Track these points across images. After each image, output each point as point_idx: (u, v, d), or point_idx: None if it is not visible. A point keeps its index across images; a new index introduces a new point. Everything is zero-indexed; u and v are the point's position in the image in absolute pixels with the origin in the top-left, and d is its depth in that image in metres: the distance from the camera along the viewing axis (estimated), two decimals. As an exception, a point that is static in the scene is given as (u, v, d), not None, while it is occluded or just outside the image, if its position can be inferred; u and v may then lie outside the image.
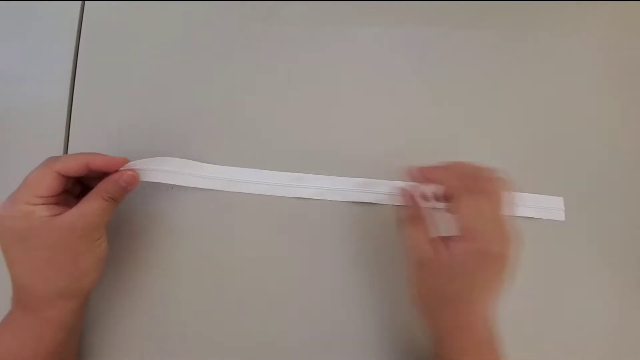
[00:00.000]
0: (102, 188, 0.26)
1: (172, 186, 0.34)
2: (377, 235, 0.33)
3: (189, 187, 0.33)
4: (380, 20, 0.37)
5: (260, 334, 0.33)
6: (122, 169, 0.28)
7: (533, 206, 0.33)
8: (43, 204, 0.25)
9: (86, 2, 0.37)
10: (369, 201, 0.33)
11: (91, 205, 0.26)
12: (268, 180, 0.34)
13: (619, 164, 0.36)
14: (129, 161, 0.28)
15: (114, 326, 0.33)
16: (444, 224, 0.26)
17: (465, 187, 0.25)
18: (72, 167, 0.26)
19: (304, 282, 0.33)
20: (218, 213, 0.34)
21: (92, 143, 0.35)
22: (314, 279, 0.33)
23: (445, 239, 0.25)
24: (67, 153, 0.35)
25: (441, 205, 0.27)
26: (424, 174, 0.27)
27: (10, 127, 0.35)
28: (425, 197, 0.28)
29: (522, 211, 0.33)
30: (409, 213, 0.27)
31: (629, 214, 0.35)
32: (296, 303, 0.33)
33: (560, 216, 0.34)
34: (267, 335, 0.33)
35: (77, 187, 0.29)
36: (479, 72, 0.37)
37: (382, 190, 0.33)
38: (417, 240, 0.26)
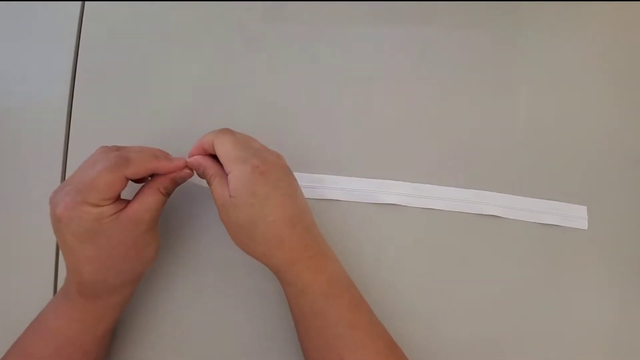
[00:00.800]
0: (161, 183, 0.27)
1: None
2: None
3: (189, 187, 0.33)
4: (380, 20, 0.37)
5: (260, 333, 0.33)
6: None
7: (557, 214, 0.34)
8: (110, 204, 0.25)
9: (86, 2, 0.37)
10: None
11: (152, 199, 0.27)
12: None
13: (617, 164, 0.36)
14: (186, 163, 0.29)
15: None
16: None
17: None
18: (142, 173, 0.27)
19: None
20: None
21: (92, 143, 0.35)
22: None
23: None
24: (67, 153, 0.35)
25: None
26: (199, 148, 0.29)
27: (10, 127, 0.35)
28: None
29: (546, 218, 0.34)
30: (206, 169, 0.29)
31: (605, 222, 0.35)
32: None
33: (583, 225, 0.34)
34: (268, 335, 0.33)
35: None
36: (478, 72, 0.37)
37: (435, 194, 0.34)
38: (219, 187, 0.27)
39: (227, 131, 0.28)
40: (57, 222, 0.25)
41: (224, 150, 0.27)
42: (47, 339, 0.27)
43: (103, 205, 0.25)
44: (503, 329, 0.32)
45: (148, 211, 0.26)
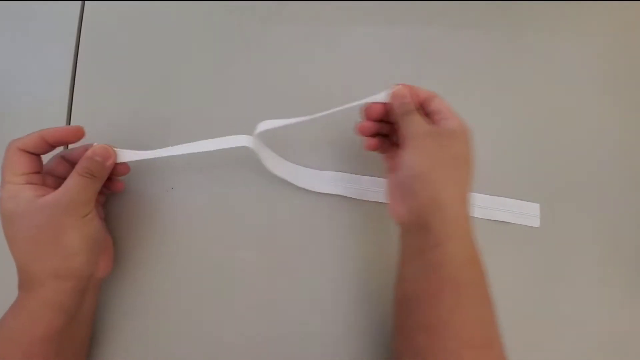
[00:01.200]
0: (79, 165, 0.27)
1: (172, 186, 0.34)
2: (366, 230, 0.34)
3: (189, 188, 0.33)
4: (380, 20, 0.37)
5: (260, 332, 0.33)
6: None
7: (510, 211, 0.34)
8: (27, 183, 0.26)
9: (86, 2, 0.37)
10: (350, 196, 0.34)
11: (70, 182, 0.26)
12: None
13: (617, 164, 0.36)
14: (83, 129, 0.29)
15: (113, 324, 0.33)
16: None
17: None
18: (30, 141, 0.27)
19: (305, 281, 0.33)
20: (218, 213, 0.34)
21: (91, 143, 0.35)
22: (316, 277, 0.33)
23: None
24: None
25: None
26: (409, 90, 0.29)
27: (10, 127, 0.35)
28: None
29: (499, 215, 0.34)
30: (407, 107, 0.29)
31: (605, 222, 0.35)
32: (299, 302, 0.33)
33: (535, 222, 0.34)
34: (269, 334, 0.33)
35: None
36: (478, 72, 0.37)
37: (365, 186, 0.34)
38: (417, 120, 0.28)
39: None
40: None
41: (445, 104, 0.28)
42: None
43: (20, 184, 0.26)
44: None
45: (64, 193, 0.26)
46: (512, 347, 0.25)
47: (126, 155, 0.30)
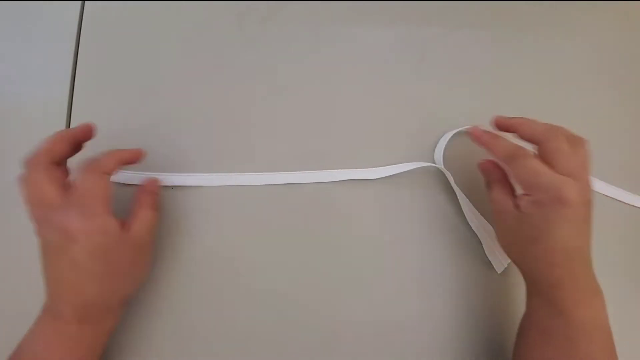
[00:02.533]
0: (148, 200, 0.28)
1: (172, 186, 0.34)
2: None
3: (189, 188, 0.33)
4: (380, 20, 0.37)
5: (260, 332, 0.33)
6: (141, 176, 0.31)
7: None
8: (109, 214, 0.26)
9: (86, 2, 0.37)
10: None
11: (149, 217, 0.28)
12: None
13: (616, 165, 0.36)
14: (142, 151, 0.30)
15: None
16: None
17: (551, 132, 0.27)
18: (112, 166, 0.27)
19: (310, 279, 0.33)
20: (218, 212, 0.34)
21: (92, 143, 0.35)
22: (318, 276, 0.33)
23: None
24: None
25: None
26: (509, 122, 0.29)
27: (10, 127, 0.35)
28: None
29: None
30: (491, 177, 0.30)
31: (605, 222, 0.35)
32: (302, 300, 0.33)
33: None
34: (269, 333, 0.33)
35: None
36: (478, 72, 0.37)
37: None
38: (497, 195, 0.29)
39: (526, 155, 0.27)
40: (70, 241, 0.24)
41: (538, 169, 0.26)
42: None
43: (108, 216, 0.25)
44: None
45: (148, 229, 0.27)
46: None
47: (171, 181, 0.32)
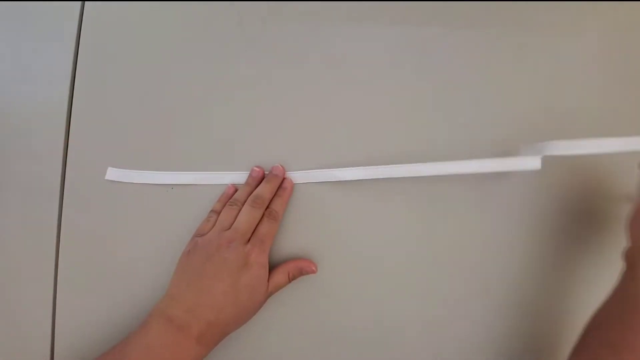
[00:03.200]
0: (291, 271, 0.32)
1: (172, 186, 0.34)
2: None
3: (189, 187, 0.33)
4: (380, 20, 0.37)
5: (260, 332, 0.33)
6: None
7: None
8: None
9: (86, 2, 0.37)
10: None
11: (282, 281, 0.31)
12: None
13: (616, 164, 0.36)
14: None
15: (113, 324, 0.33)
16: None
17: None
18: (280, 218, 0.33)
19: (307, 282, 0.33)
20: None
21: (92, 143, 0.35)
22: (318, 277, 0.33)
23: None
24: (67, 153, 0.35)
25: None
26: None
27: (10, 127, 0.35)
28: None
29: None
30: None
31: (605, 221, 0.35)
32: (299, 302, 0.33)
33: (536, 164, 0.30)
34: (267, 333, 0.33)
35: None
36: (478, 72, 0.37)
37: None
38: None
39: None
40: (244, 265, 0.29)
41: None
42: None
43: (266, 253, 0.31)
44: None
45: (276, 287, 0.31)
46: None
47: None
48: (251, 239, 0.31)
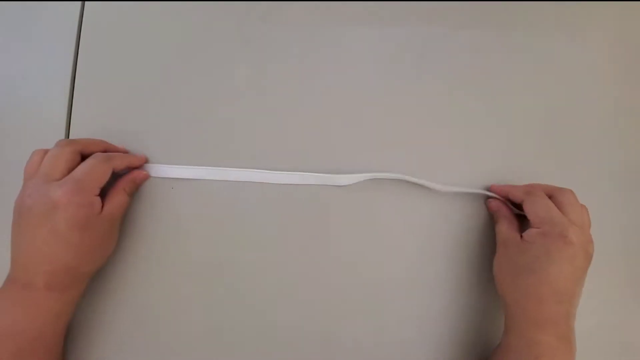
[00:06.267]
0: (125, 186, 0.31)
1: (172, 186, 0.34)
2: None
3: (189, 187, 0.33)
4: (380, 20, 0.37)
5: (260, 331, 0.33)
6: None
7: None
8: (98, 195, 0.29)
9: (86, 2, 0.37)
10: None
11: (121, 199, 0.31)
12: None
13: (617, 164, 0.36)
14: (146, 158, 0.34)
15: (113, 324, 0.33)
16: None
17: (533, 192, 0.31)
18: (121, 166, 0.31)
19: (306, 278, 0.33)
20: (218, 212, 0.34)
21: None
22: (319, 278, 0.33)
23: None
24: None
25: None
26: (503, 189, 0.33)
27: (10, 127, 0.35)
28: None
29: None
30: (499, 212, 0.33)
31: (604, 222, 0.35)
32: (300, 302, 0.33)
33: None
34: (265, 333, 0.33)
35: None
36: (478, 72, 0.37)
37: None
38: (504, 227, 0.32)
39: (542, 195, 0.31)
40: (52, 208, 0.27)
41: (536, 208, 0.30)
42: (1, 340, 0.27)
43: (96, 195, 0.28)
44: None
45: (118, 208, 0.30)
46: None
47: (159, 171, 0.34)
48: (63, 179, 0.28)
